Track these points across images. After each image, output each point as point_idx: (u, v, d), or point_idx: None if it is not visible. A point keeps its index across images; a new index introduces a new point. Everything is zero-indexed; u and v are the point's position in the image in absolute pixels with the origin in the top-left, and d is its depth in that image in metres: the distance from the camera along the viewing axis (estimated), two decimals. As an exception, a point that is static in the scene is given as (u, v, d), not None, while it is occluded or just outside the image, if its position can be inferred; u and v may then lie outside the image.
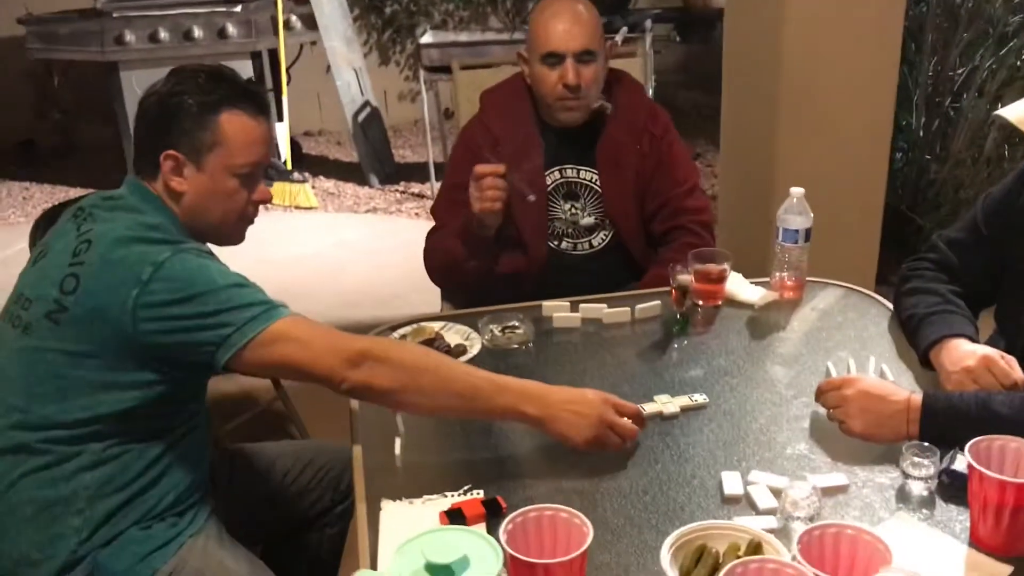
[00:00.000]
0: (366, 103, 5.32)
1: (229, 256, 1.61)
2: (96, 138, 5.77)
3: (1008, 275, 1.71)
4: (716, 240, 2.35)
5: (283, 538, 1.85)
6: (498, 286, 2.24)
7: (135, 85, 5.08)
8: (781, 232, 1.96)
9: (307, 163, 5.74)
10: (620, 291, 2.12)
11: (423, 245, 2.30)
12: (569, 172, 2.24)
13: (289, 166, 5.15)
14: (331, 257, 4.39)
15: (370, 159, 5.25)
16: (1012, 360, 1.57)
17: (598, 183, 2.23)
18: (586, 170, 2.23)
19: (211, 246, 1.62)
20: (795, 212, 1.93)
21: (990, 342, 1.76)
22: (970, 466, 1.27)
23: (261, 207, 1.65)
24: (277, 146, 5.27)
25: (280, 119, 5.22)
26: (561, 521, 1.21)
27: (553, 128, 2.21)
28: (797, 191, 1.94)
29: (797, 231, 1.94)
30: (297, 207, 5.05)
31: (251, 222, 1.66)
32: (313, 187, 5.27)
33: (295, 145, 5.73)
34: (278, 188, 5.07)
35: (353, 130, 5.20)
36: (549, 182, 2.23)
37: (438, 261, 2.24)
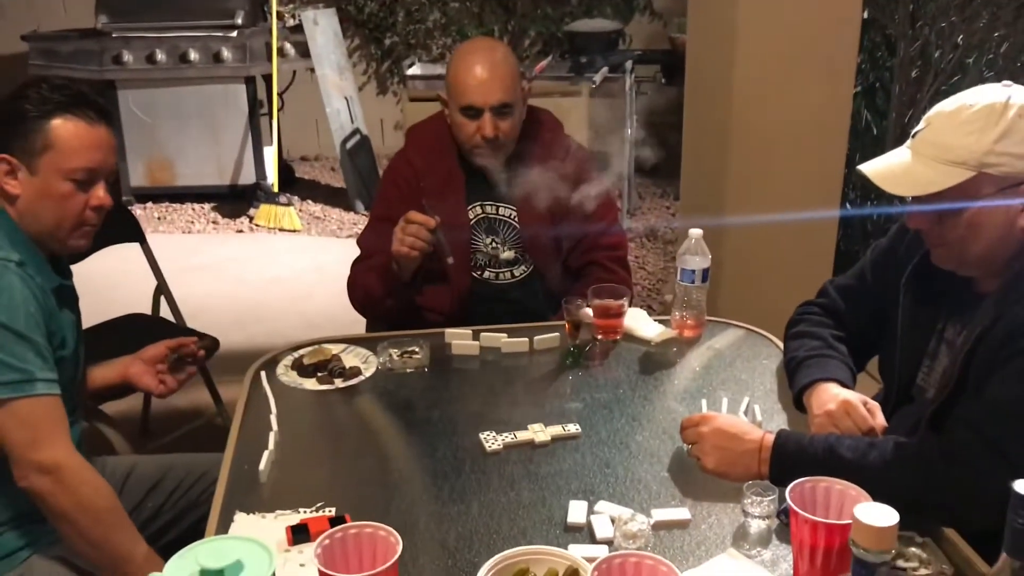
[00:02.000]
0: (356, 131, 5.42)
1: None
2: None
3: (887, 325, 1.74)
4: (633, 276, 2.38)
5: None
6: (423, 315, 2.29)
7: (132, 104, 5.23)
8: (680, 272, 1.99)
9: (299, 187, 5.84)
10: (542, 320, 2.17)
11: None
12: (488, 208, 2.29)
13: (276, 189, 5.25)
14: (304, 280, 4.46)
15: (357, 185, 5.34)
16: (875, 407, 1.59)
17: (516, 219, 2.27)
18: (504, 206, 2.28)
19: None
20: (693, 253, 1.97)
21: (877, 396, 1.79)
22: (790, 507, 1.29)
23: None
24: (264, 169, 5.39)
25: (270, 143, 5.33)
26: (376, 538, 1.24)
27: (474, 165, 2.26)
28: (696, 232, 1.97)
29: (694, 271, 1.97)
30: (281, 229, 5.14)
31: (92, 228, 1.68)
32: (300, 211, 5.37)
33: (288, 169, 5.84)
34: (264, 210, 5.18)
35: (341, 156, 5.29)
36: (471, 216, 2.28)
37: (358, 296, 2.29)
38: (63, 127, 1.58)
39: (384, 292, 2.19)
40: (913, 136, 1.50)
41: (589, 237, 2.26)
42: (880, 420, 1.57)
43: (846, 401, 1.57)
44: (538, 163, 2.25)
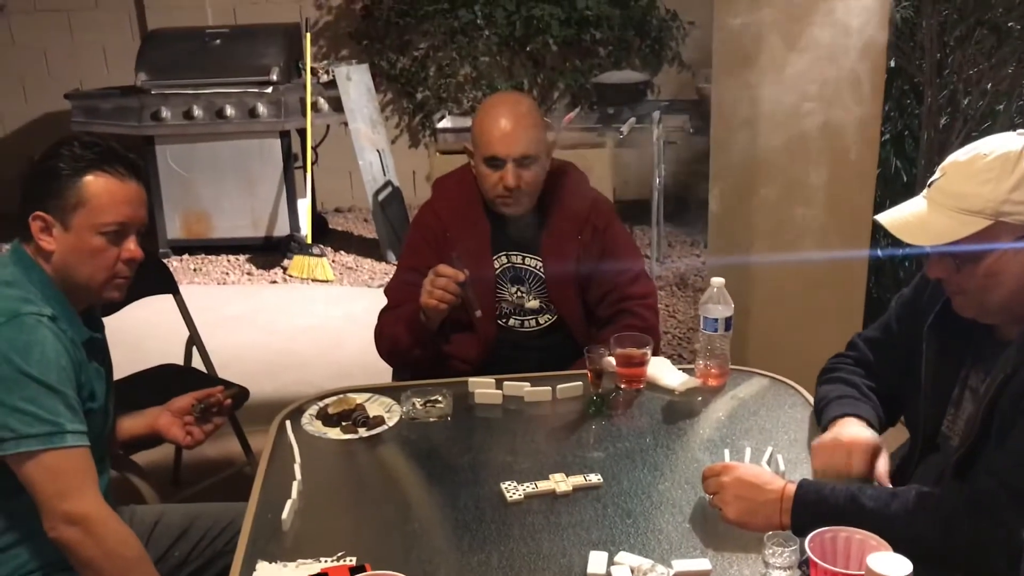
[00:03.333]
0: (388, 183, 5.50)
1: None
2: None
3: (912, 374, 1.72)
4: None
5: None
6: (449, 363, 2.31)
7: (169, 159, 5.36)
8: (702, 320, 2.00)
9: (332, 238, 5.92)
10: (567, 368, 2.17)
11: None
12: (515, 258, 2.32)
13: (309, 240, 5.32)
14: (336, 329, 4.50)
15: (388, 236, 5.40)
16: (885, 458, 1.59)
17: (541, 270, 2.30)
18: (530, 257, 2.30)
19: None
20: (715, 301, 1.97)
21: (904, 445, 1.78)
22: (809, 558, 1.28)
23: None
24: (298, 221, 5.47)
25: (304, 195, 5.42)
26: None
27: (500, 216, 2.29)
28: (717, 281, 1.98)
29: (717, 320, 1.97)
30: (314, 280, 5.20)
31: (125, 280, 1.72)
32: (333, 261, 5.43)
33: (321, 220, 5.93)
34: (297, 261, 5.25)
35: (373, 208, 5.37)
36: (496, 266, 2.30)
37: (385, 346, 2.31)
38: (95, 184, 1.63)
39: (412, 342, 2.21)
40: (929, 185, 1.51)
41: (618, 288, 2.27)
42: (882, 470, 1.58)
43: (855, 441, 1.59)
44: (563, 214, 2.28)
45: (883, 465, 1.55)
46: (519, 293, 2.31)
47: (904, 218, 1.51)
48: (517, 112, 2.19)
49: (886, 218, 1.53)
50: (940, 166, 1.50)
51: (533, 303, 2.31)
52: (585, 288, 2.30)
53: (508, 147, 2.16)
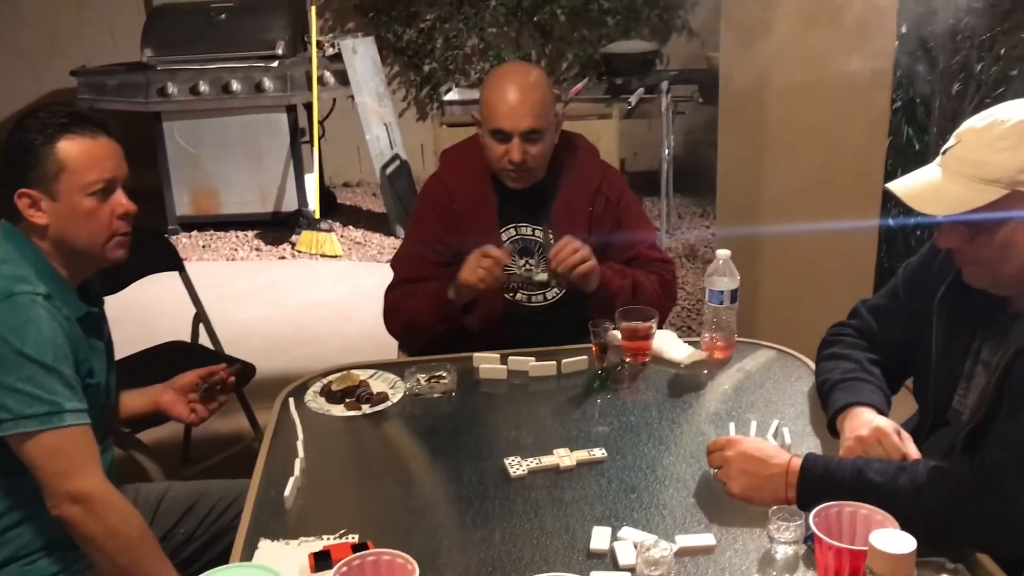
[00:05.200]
0: (395, 156, 5.47)
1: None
2: (139, 183, 6.02)
3: (921, 346, 1.70)
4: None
5: None
6: (457, 339, 2.29)
7: (176, 135, 5.34)
8: (708, 293, 1.97)
9: (341, 213, 5.91)
10: (577, 343, 2.15)
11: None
12: (524, 230, 2.29)
13: (317, 215, 5.31)
14: (345, 304, 4.50)
15: (397, 210, 5.38)
16: (907, 436, 1.55)
17: (551, 241, 2.27)
18: (539, 228, 2.28)
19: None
20: (721, 274, 1.95)
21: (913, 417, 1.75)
22: (814, 533, 1.27)
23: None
24: (306, 196, 5.46)
25: (311, 171, 5.40)
26: (393, 565, 1.24)
27: (508, 187, 2.27)
28: (723, 253, 1.95)
29: (723, 292, 1.95)
30: (323, 255, 5.19)
31: (125, 237, 1.71)
32: (342, 236, 5.42)
33: (329, 195, 5.91)
34: (305, 237, 5.24)
35: (381, 182, 5.34)
36: (504, 238, 2.28)
37: (401, 322, 2.28)
38: (69, 147, 1.61)
39: (436, 319, 2.19)
40: (943, 153, 1.47)
41: (640, 256, 2.26)
42: (912, 449, 1.52)
43: (878, 428, 1.54)
44: (574, 185, 2.25)
45: (912, 445, 1.52)
46: (527, 265, 2.29)
47: (917, 186, 1.48)
48: (526, 84, 2.15)
49: (898, 186, 1.49)
50: (956, 132, 1.46)
51: (542, 276, 2.28)
52: (599, 259, 2.27)
53: (515, 121, 2.13)
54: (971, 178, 1.40)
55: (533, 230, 2.29)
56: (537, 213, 2.28)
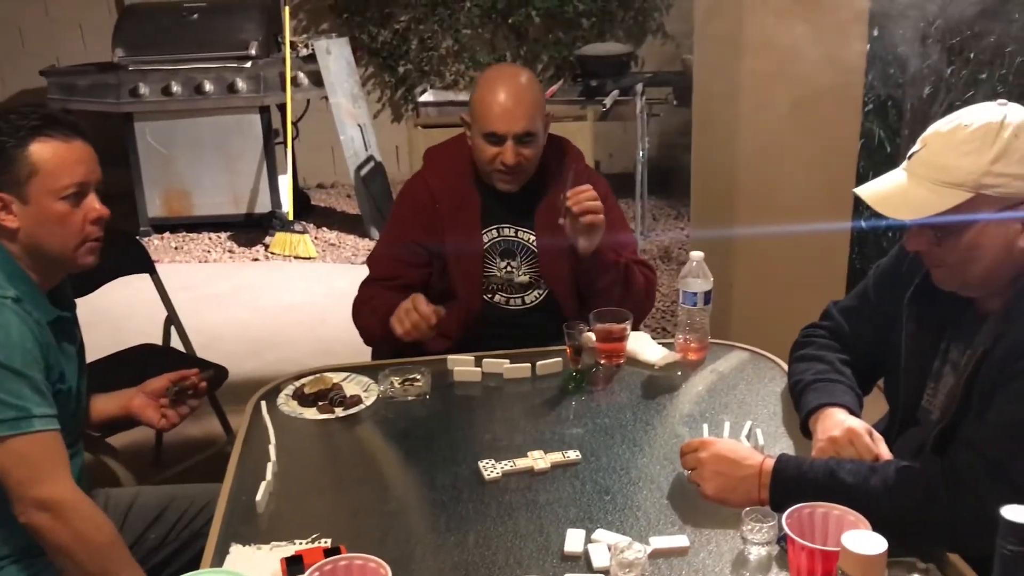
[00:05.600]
0: (370, 158, 5.45)
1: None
2: (110, 185, 5.96)
3: (891, 347, 1.71)
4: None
5: None
6: (431, 340, 2.28)
7: (148, 136, 5.30)
8: (682, 295, 1.98)
9: (315, 214, 5.88)
10: (552, 345, 2.14)
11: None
12: (507, 231, 2.29)
13: (291, 217, 5.28)
14: (319, 306, 4.47)
15: (371, 212, 5.36)
16: (879, 437, 1.56)
17: (535, 244, 2.27)
18: (524, 231, 2.28)
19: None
20: (694, 275, 1.96)
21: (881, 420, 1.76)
22: (787, 534, 1.27)
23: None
24: (280, 197, 5.43)
25: (285, 172, 5.37)
26: (366, 570, 1.23)
27: (492, 188, 2.25)
28: (697, 255, 1.96)
29: (696, 294, 1.96)
30: (297, 257, 5.16)
31: (97, 243, 1.69)
32: (316, 238, 5.40)
33: (304, 196, 5.89)
34: (279, 238, 5.21)
35: (355, 183, 5.32)
36: (486, 240, 2.28)
37: (360, 324, 2.27)
38: (42, 150, 1.59)
39: (382, 337, 2.17)
40: (909, 157, 1.49)
41: (613, 250, 2.25)
42: (884, 450, 1.53)
43: (851, 429, 1.54)
44: (559, 188, 2.25)
45: (884, 446, 1.53)
46: (508, 267, 2.28)
47: (884, 191, 1.49)
48: (519, 87, 2.15)
49: (866, 191, 1.50)
50: (921, 137, 1.48)
51: (523, 278, 2.28)
52: (577, 263, 2.27)
53: (509, 124, 2.12)
54: (936, 182, 1.42)
55: (516, 231, 2.29)
56: (521, 215, 2.28)
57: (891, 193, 1.48)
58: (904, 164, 1.49)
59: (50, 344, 1.61)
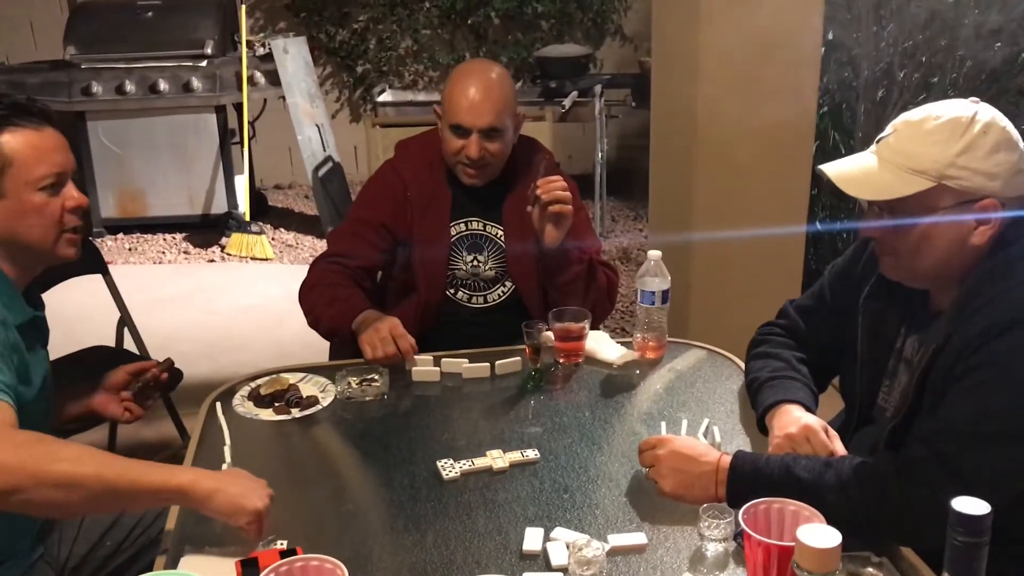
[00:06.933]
0: (328, 158, 5.41)
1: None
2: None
3: (847, 345, 1.73)
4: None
5: None
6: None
7: (101, 135, 5.21)
8: (640, 294, 1.99)
9: (272, 215, 5.83)
10: (511, 344, 2.14)
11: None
12: (475, 225, 2.29)
13: (248, 217, 5.23)
14: (276, 308, 4.43)
15: (330, 212, 5.31)
16: (834, 434, 1.58)
17: (502, 238, 2.27)
18: (492, 225, 2.28)
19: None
20: (652, 274, 1.97)
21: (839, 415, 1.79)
22: (743, 530, 1.28)
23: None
24: (236, 198, 5.37)
25: (241, 172, 5.31)
26: (322, 571, 1.22)
27: (464, 183, 2.25)
28: (654, 254, 1.97)
29: (654, 293, 1.97)
30: (253, 258, 5.11)
31: (76, 232, 1.65)
32: (273, 239, 5.35)
33: (260, 197, 5.83)
34: (236, 239, 5.15)
35: (313, 184, 5.28)
36: (453, 233, 2.28)
37: (306, 306, 2.20)
38: (13, 140, 1.54)
39: (330, 329, 2.16)
40: (878, 142, 1.50)
41: (579, 251, 2.25)
42: (839, 447, 1.55)
43: (807, 426, 1.56)
44: (528, 185, 2.24)
45: (839, 443, 1.55)
46: (475, 262, 2.28)
47: (849, 171, 1.50)
48: (488, 82, 2.16)
49: (831, 170, 1.51)
50: (892, 123, 1.49)
51: (489, 272, 2.28)
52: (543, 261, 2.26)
53: (475, 117, 2.13)
54: (901, 167, 1.43)
55: (484, 225, 2.28)
56: (490, 209, 2.29)
57: (856, 174, 1.49)
58: (872, 147, 1.50)
59: (15, 345, 1.56)
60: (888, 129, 1.49)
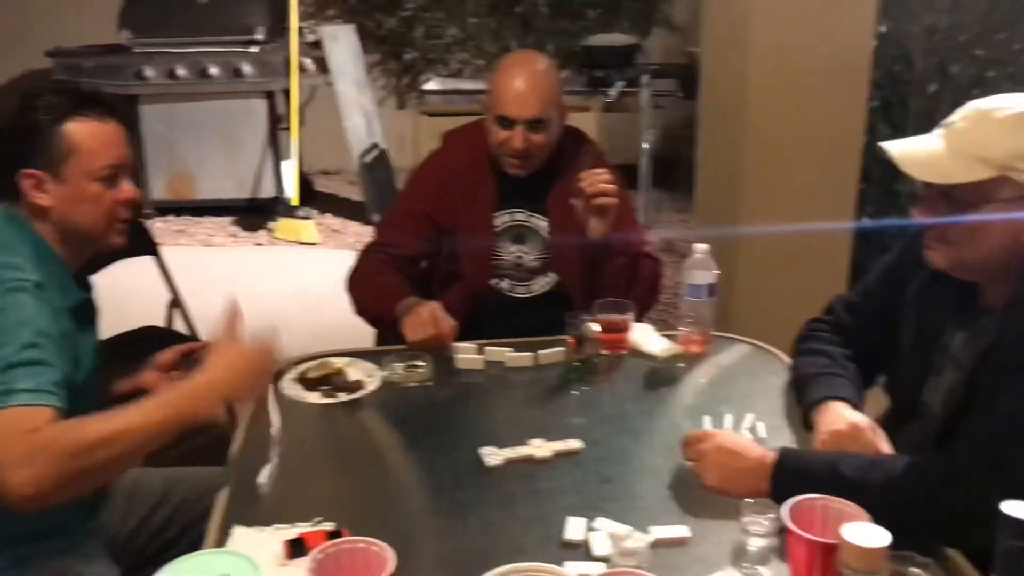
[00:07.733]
0: (374, 145, 5.44)
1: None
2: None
3: (894, 341, 1.71)
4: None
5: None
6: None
7: (153, 119, 5.30)
8: (686, 287, 1.98)
9: (318, 200, 5.88)
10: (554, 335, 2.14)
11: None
12: (520, 216, 2.30)
13: (295, 202, 5.28)
14: (321, 292, 4.46)
15: (375, 199, 5.35)
16: (880, 432, 1.57)
17: (547, 230, 2.28)
18: (537, 217, 2.29)
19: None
20: (699, 267, 1.96)
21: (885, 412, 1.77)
22: (787, 526, 1.28)
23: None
24: (284, 183, 5.42)
25: (289, 157, 5.37)
26: (368, 553, 1.24)
27: (508, 173, 2.26)
28: (701, 247, 1.96)
29: (700, 286, 1.96)
30: (300, 242, 5.17)
31: (126, 223, 1.69)
32: (319, 224, 5.40)
33: (307, 183, 5.88)
34: (283, 224, 5.22)
35: (359, 170, 5.31)
36: (498, 223, 2.29)
37: (355, 294, 2.25)
38: (79, 130, 1.58)
39: (376, 316, 2.21)
40: (944, 126, 1.48)
41: (625, 243, 2.26)
42: (885, 446, 1.54)
43: (854, 423, 1.55)
44: (575, 176, 2.25)
45: (886, 443, 1.54)
46: (519, 253, 2.29)
47: (912, 152, 1.47)
48: (534, 73, 2.17)
49: (894, 148, 1.49)
50: (960, 109, 1.47)
51: (533, 263, 2.29)
52: (595, 254, 2.26)
53: (520, 109, 2.14)
54: (966, 155, 1.41)
55: (529, 216, 2.30)
56: (535, 201, 2.29)
57: (919, 155, 1.46)
58: (938, 131, 1.48)
59: (68, 332, 1.60)
60: (956, 115, 1.47)
